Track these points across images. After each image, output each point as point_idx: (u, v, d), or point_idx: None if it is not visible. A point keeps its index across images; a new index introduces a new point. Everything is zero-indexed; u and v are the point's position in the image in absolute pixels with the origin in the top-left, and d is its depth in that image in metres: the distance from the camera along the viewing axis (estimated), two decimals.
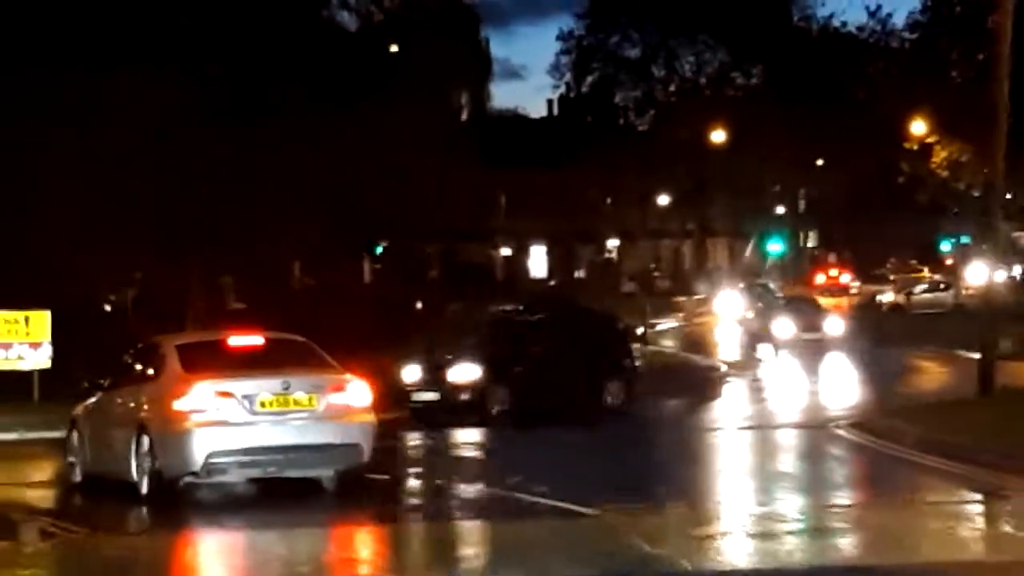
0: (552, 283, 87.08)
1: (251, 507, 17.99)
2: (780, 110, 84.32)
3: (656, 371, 41.68)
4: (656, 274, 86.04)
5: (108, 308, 47.64)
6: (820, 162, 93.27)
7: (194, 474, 17.69)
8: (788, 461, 22.73)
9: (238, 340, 19.12)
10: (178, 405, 17.69)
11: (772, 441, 25.76)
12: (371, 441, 18.40)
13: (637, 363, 32.27)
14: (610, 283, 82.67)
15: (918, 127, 68.99)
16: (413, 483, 21.00)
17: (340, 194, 41.96)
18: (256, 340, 19.23)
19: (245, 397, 17.70)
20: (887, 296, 79.77)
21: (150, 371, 18.91)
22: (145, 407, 18.38)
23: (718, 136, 78.38)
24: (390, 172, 42.74)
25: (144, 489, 18.03)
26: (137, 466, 18.17)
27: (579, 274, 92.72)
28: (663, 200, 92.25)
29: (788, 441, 25.61)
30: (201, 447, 17.53)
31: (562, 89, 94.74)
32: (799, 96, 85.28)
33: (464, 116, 72.37)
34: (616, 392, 31.50)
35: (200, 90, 37.61)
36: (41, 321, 33.60)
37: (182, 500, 17.93)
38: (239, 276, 49.57)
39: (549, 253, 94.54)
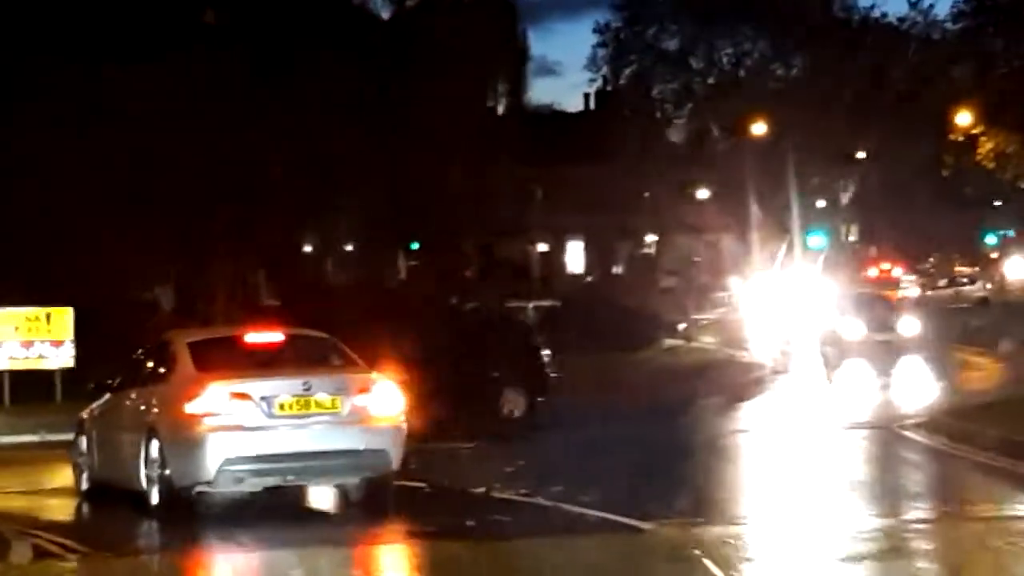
0: (589, 278, 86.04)
1: (268, 520, 16.45)
2: (821, 102, 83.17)
3: (696, 368, 40.33)
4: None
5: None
6: (862, 155, 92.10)
7: (207, 483, 16.23)
8: (858, 468, 20.87)
9: (255, 336, 17.62)
10: (190, 408, 16.21)
11: (834, 444, 23.90)
12: (401, 447, 16.88)
13: (551, 372, 29.55)
14: (648, 278, 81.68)
15: (963, 118, 67.69)
16: (441, 493, 19.28)
17: (373, 188, 41.11)
18: (275, 336, 17.73)
19: (263, 399, 16.20)
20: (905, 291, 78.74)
21: (160, 370, 17.50)
22: (154, 410, 16.98)
23: (758, 128, 77.01)
24: (425, 167, 41.85)
25: (153, 499, 16.65)
26: (146, 474, 16.81)
27: (617, 269, 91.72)
28: (702, 194, 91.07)
29: (853, 444, 23.74)
30: (215, 453, 16.04)
31: (599, 83, 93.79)
32: (840, 88, 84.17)
33: (501, 110, 71.53)
34: (516, 402, 28.32)
35: (224, 82, 36.81)
36: (63, 319, 32.64)
37: (193, 512, 16.53)
38: (271, 272, 49.06)
39: (587, 248, 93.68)
